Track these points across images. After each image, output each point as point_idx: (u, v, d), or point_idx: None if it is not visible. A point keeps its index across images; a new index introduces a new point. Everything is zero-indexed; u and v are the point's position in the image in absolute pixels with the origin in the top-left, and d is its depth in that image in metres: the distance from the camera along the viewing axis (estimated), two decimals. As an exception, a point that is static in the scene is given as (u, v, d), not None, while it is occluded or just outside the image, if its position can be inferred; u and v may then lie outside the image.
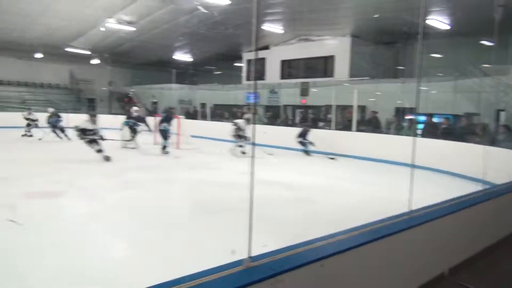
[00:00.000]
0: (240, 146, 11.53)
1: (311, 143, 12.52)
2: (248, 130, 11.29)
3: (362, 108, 14.14)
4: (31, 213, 5.16)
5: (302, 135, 12.73)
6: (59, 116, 14.57)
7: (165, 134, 11.57)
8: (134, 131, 12.71)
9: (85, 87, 24.70)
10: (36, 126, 14.87)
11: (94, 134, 9.63)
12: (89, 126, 9.57)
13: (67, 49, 20.85)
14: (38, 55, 21.82)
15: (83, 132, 9.53)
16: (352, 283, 2.45)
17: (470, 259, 3.70)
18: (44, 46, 20.51)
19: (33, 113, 15.22)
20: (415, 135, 9.76)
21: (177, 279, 1.78)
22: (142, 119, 13.31)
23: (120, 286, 3.32)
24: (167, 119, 11.75)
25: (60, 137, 14.30)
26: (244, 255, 2.00)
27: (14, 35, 18.84)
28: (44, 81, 23.96)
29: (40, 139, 13.81)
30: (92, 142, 9.64)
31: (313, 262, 2.12)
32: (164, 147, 11.54)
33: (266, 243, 2.45)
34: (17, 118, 15.31)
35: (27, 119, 14.99)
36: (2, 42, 19.66)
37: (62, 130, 14.36)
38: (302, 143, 12.74)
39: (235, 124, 11.67)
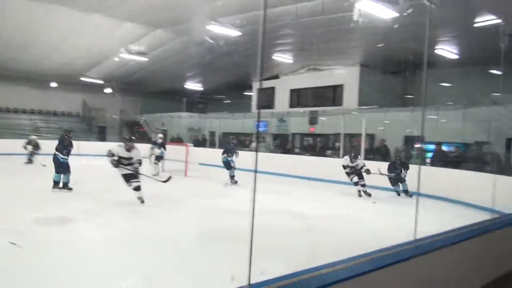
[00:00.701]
0: (363, 185, 10.14)
1: (402, 180, 10.15)
2: (359, 163, 10.21)
3: (371, 137, 14.13)
4: (39, 239, 5.19)
5: (392, 169, 10.20)
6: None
7: (226, 165, 11.70)
8: (159, 159, 13.00)
9: (97, 115, 25.21)
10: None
11: (129, 164, 7.66)
12: (122, 153, 7.63)
13: (82, 79, 21.42)
14: (53, 85, 22.45)
15: (117, 161, 7.57)
16: (355, 313, 2.39)
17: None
18: (59, 76, 21.15)
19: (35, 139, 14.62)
20: (421, 163, 9.68)
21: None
22: (164, 146, 13.56)
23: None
24: (227, 151, 11.80)
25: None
26: (244, 283, 1.98)
27: (30, 65, 19.39)
28: (57, 109, 24.52)
29: (44, 165, 12.69)
30: (128, 176, 7.68)
31: (314, 290, 2.09)
32: (231, 177, 11.63)
33: (272, 271, 2.42)
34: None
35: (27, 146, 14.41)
36: (18, 72, 20.25)
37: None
38: (393, 180, 10.30)
39: (345, 167, 10.23)
